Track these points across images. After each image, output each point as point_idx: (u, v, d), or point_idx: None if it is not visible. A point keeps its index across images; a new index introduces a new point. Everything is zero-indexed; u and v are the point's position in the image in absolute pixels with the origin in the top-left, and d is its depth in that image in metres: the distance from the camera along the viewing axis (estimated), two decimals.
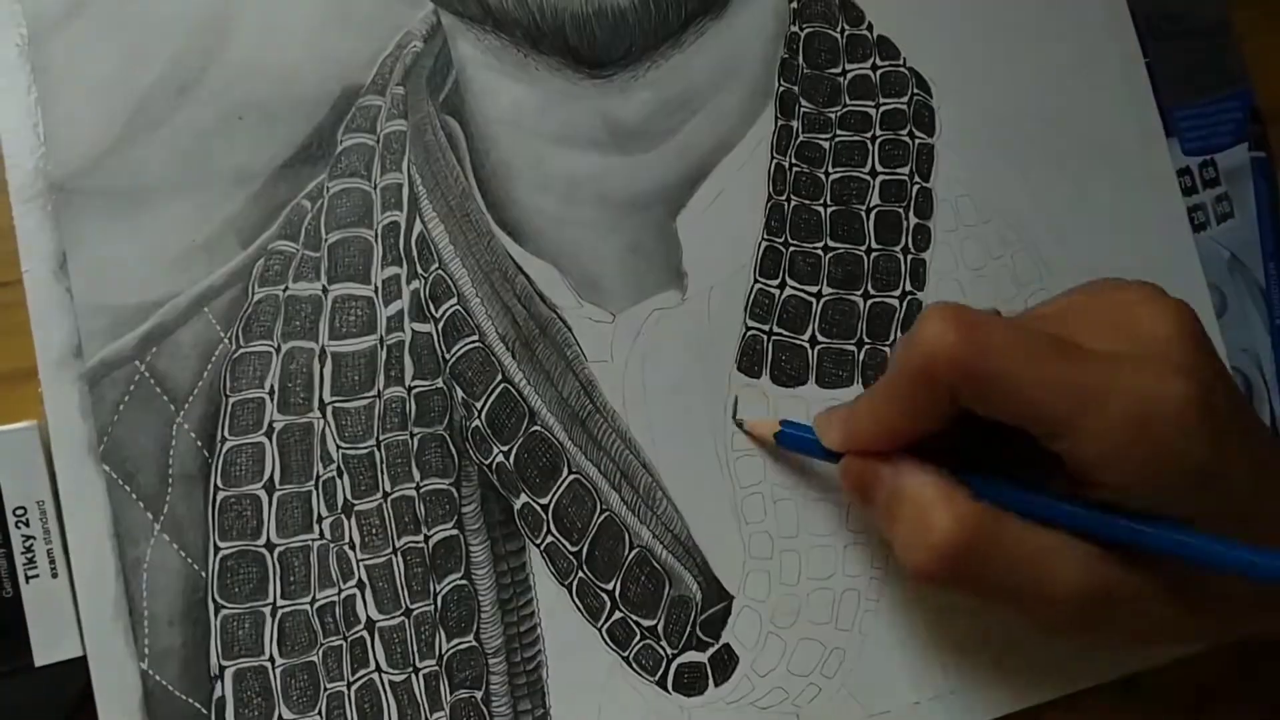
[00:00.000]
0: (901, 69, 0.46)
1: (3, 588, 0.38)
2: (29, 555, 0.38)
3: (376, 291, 0.41)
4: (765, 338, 0.43)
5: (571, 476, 0.41)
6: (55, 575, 0.39)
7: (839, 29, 0.46)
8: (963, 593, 0.36)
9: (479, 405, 0.41)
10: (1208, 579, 0.34)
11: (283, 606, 0.39)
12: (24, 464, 0.39)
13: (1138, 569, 0.34)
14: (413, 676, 0.40)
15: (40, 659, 0.38)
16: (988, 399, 0.34)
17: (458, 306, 0.41)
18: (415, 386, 0.41)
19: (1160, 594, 0.35)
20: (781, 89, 0.45)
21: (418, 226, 0.42)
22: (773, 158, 0.44)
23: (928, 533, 0.35)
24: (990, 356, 0.34)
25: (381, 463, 0.40)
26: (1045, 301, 0.39)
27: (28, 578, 0.38)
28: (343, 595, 0.40)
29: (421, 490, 0.40)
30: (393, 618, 0.40)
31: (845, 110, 0.45)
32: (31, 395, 0.40)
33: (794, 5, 0.46)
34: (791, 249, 0.44)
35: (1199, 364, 0.34)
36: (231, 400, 0.40)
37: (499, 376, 0.41)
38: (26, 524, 0.39)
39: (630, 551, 0.41)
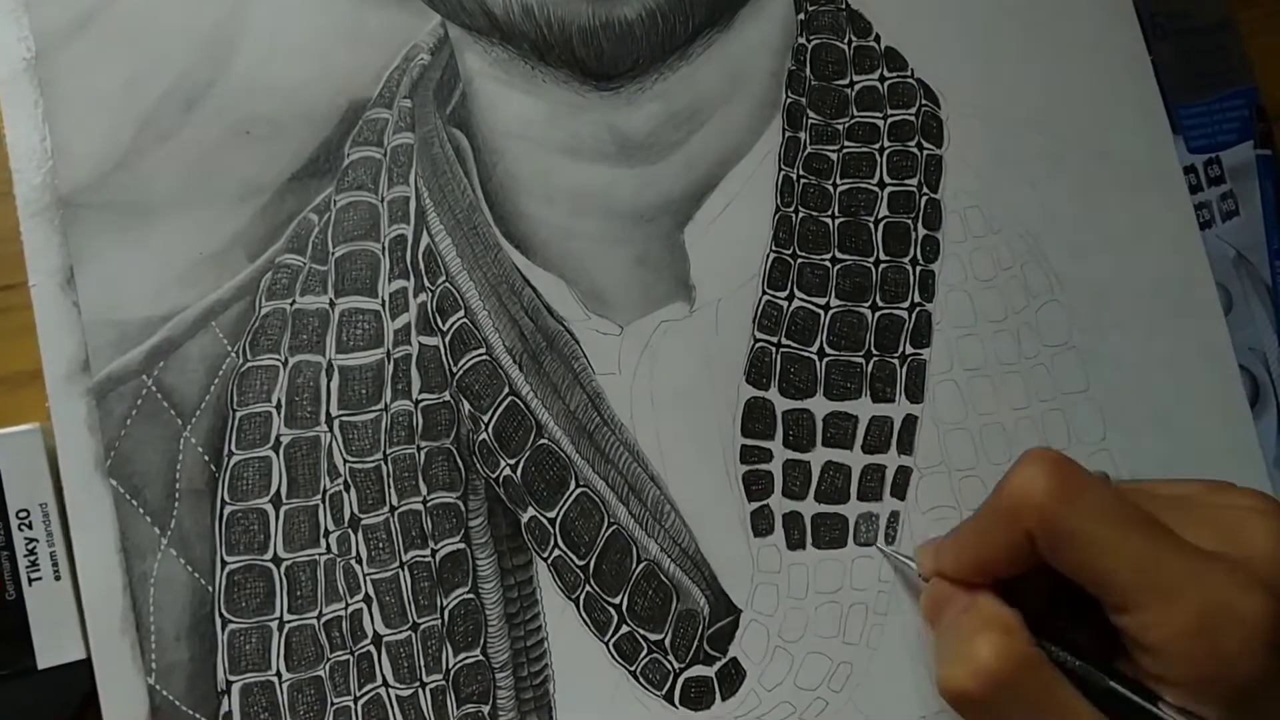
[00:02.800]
0: (909, 80, 0.46)
1: (5, 590, 0.38)
2: (32, 558, 0.39)
3: (383, 305, 0.41)
4: (774, 349, 0.43)
5: (579, 489, 0.41)
6: (58, 578, 0.39)
7: (846, 41, 0.46)
8: None
9: (486, 418, 0.41)
10: None
11: (289, 621, 0.39)
12: (27, 467, 0.39)
13: None
14: (419, 691, 0.39)
15: (43, 661, 0.38)
16: (1063, 554, 0.35)
17: (465, 319, 0.41)
18: (422, 400, 0.41)
19: None
20: (789, 101, 0.45)
21: (425, 239, 0.42)
22: (780, 169, 0.44)
23: (975, 654, 0.35)
24: (1076, 513, 0.34)
25: (388, 476, 0.40)
26: (1163, 481, 0.39)
27: (30, 580, 0.39)
28: (350, 610, 0.39)
29: (428, 504, 0.40)
30: (399, 632, 0.40)
31: (853, 122, 0.45)
32: (35, 398, 0.40)
33: (801, 17, 0.45)
34: (799, 260, 0.44)
35: None
36: (239, 414, 0.40)
37: (506, 389, 0.41)
38: (29, 526, 0.39)
39: (638, 565, 0.41)
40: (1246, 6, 0.50)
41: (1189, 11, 0.49)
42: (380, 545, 0.40)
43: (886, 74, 0.46)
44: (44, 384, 0.39)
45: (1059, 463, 0.35)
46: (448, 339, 0.41)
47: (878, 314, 0.44)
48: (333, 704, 0.39)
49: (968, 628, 0.36)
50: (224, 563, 0.39)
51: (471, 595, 0.40)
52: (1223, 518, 0.36)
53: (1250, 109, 0.50)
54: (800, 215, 0.44)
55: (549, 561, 0.41)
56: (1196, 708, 0.33)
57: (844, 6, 0.46)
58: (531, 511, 0.41)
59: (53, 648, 0.38)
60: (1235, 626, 0.33)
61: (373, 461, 0.40)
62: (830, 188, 0.45)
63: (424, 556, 0.40)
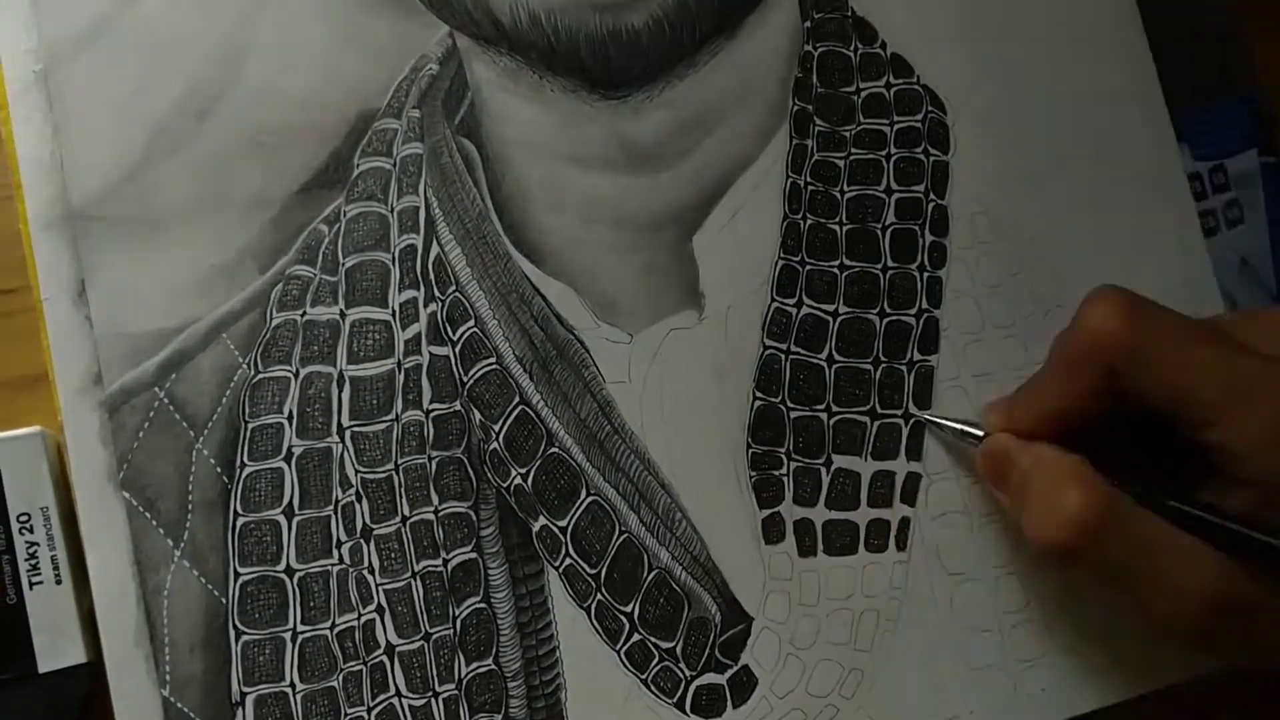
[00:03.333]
0: (915, 87, 0.46)
1: (6, 594, 0.38)
2: (33, 562, 0.39)
3: (394, 315, 0.41)
4: (783, 356, 0.43)
5: (590, 498, 0.41)
6: (59, 582, 0.39)
7: (852, 48, 0.46)
8: (1087, 573, 0.37)
9: (497, 428, 0.41)
10: None
11: (303, 632, 0.39)
12: (28, 470, 0.39)
13: (1271, 587, 0.35)
14: (432, 701, 0.40)
15: (44, 666, 0.38)
16: (1147, 380, 0.36)
17: (475, 329, 0.42)
18: (433, 409, 0.41)
19: None
20: (796, 108, 0.45)
21: (434, 249, 0.42)
22: (788, 177, 0.44)
23: (1060, 507, 0.36)
24: (1153, 337, 0.35)
25: (400, 486, 0.40)
26: (1221, 315, 0.41)
27: (31, 584, 0.39)
28: (362, 620, 0.40)
29: (440, 514, 0.40)
30: (412, 642, 0.40)
31: (860, 128, 0.45)
32: (37, 402, 0.40)
33: (807, 25, 0.45)
34: (808, 267, 0.44)
35: None
36: (250, 426, 0.40)
37: (517, 398, 0.41)
38: (30, 530, 0.39)
39: (649, 573, 0.41)
40: (1253, 14, 0.50)
41: (1194, 18, 0.50)
42: (392, 555, 0.40)
43: (893, 81, 0.46)
44: (46, 388, 0.39)
45: (1124, 294, 0.37)
46: (458, 348, 0.41)
47: (885, 320, 0.44)
48: (346, 714, 0.39)
49: (1045, 481, 0.37)
50: (237, 574, 0.39)
51: (483, 605, 0.40)
52: None
53: (1255, 116, 0.50)
54: (808, 222, 0.44)
55: (560, 570, 0.41)
56: None
57: (850, 14, 0.46)
58: (543, 520, 0.41)
59: (53, 652, 0.38)
60: None
61: (384, 472, 0.40)
62: (838, 194, 0.45)
63: (436, 566, 0.40)
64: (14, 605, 0.38)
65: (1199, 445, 0.36)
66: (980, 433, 0.41)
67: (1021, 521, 0.38)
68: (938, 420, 0.43)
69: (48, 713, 0.39)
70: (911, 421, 0.44)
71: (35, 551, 0.39)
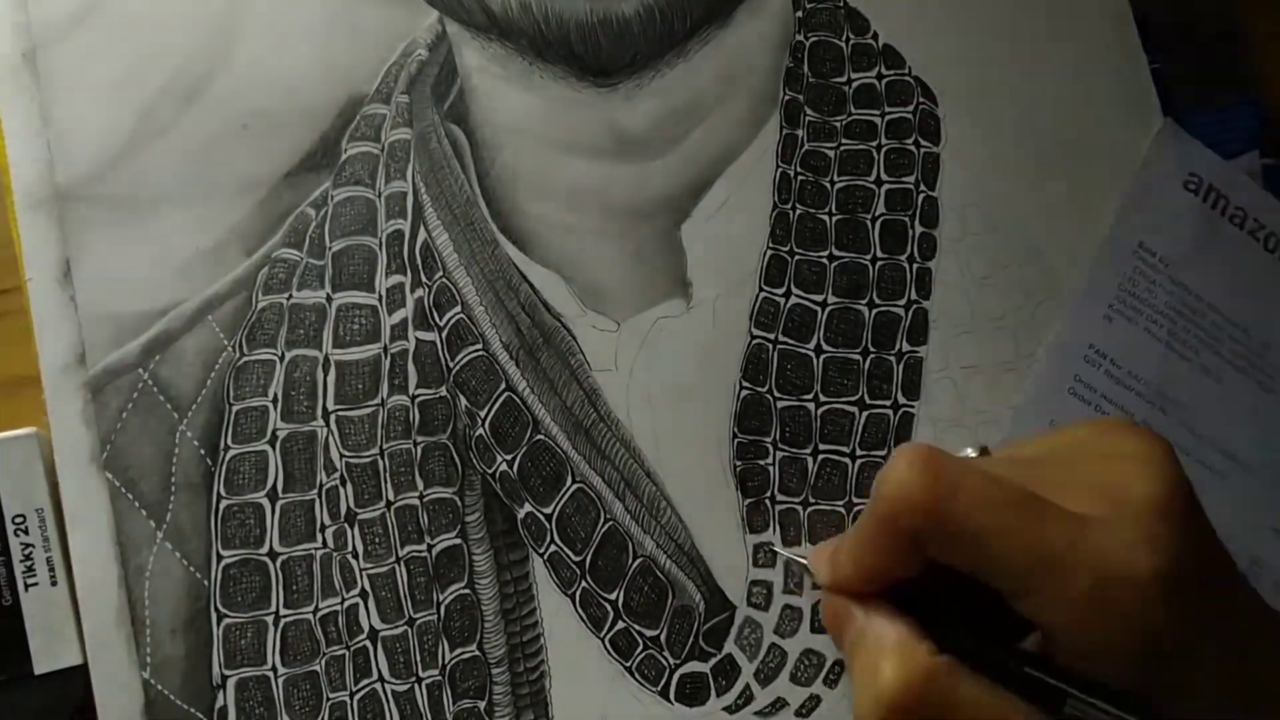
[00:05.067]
0: (907, 78, 0.46)
1: (1, 596, 0.38)
2: (28, 563, 0.38)
3: (380, 300, 0.41)
4: (771, 346, 0.43)
5: (575, 485, 0.41)
6: (55, 583, 0.39)
7: (844, 38, 0.46)
8: None
9: (482, 414, 0.41)
10: None
11: (285, 615, 0.39)
12: (23, 472, 0.39)
13: None
14: (416, 686, 0.39)
15: (40, 667, 0.38)
16: (952, 551, 0.34)
17: (461, 315, 0.41)
18: (419, 395, 0.41)
19: None
20: (787, 98, 0.45)
21: (422, 235, 0.42)
22: (778, 166, 0.44)
23: (877, 681, 0.34)
24: (956, 508, 0.33)
25: (385, 471, 0.40)
26: (1032, 437, 0.38)
27: (27, 586, 0.38)
28: (346, 604, 0.39)
29: (425, 499, 0.40)
30: (395, 627, 0.40)
31: (851, 119, 0.45)
32: (31, 402, 0.40)
33: (799, 14, 0.45)
34: (797, 257, 0.44)
35: (1175, 535, 0.33)
36: (235, 408, 0.40)
37: (502, 385, 0.41)
38: (25, 532, 0.39)
39: (634, 561, 0.41)
40: (1255, 16, 0.50)
41: (1196, 21, 0.50)
42: (376, 540, 0.40)
43: (884, 72, 0.46)
44: (40, 388, 0.39)
45: (930, 457, 0.34)
46: (444, 334, 0.41)
47: (875, 311, 0.44)
48: (329, 699, 0.39)
49: (866, 652, 0.35)
50: (220, 557, 0.39)
51: (468, 590, 0.40)
52: (1105, 473, 0.34)
53: (1257, 118, 0.50)
54: (798, 212, 0.44)
55: (545, 557, 0.41)
56: (1109, 677, 0.33)
57: (842, 4, 0.46)
58: (528, 507, 0.41)
59: (49, 653, 0.38)
60: (1129, 587, 0.32)
61: (369, 456, 0.40)
62: (828, 185, 0.45)
63: (420, 551, 0.40)
64: (9, 607, 0.38)
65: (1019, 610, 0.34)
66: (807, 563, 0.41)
67: (853, 686, 0.36)
68: (782, 552, 0.42)
69: (43, 714, 0.39)
70: (900, 412, 0.44)
71: (30, 553, 0.38)
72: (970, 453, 0.38)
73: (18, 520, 0.39)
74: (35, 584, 0.39)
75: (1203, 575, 0.33)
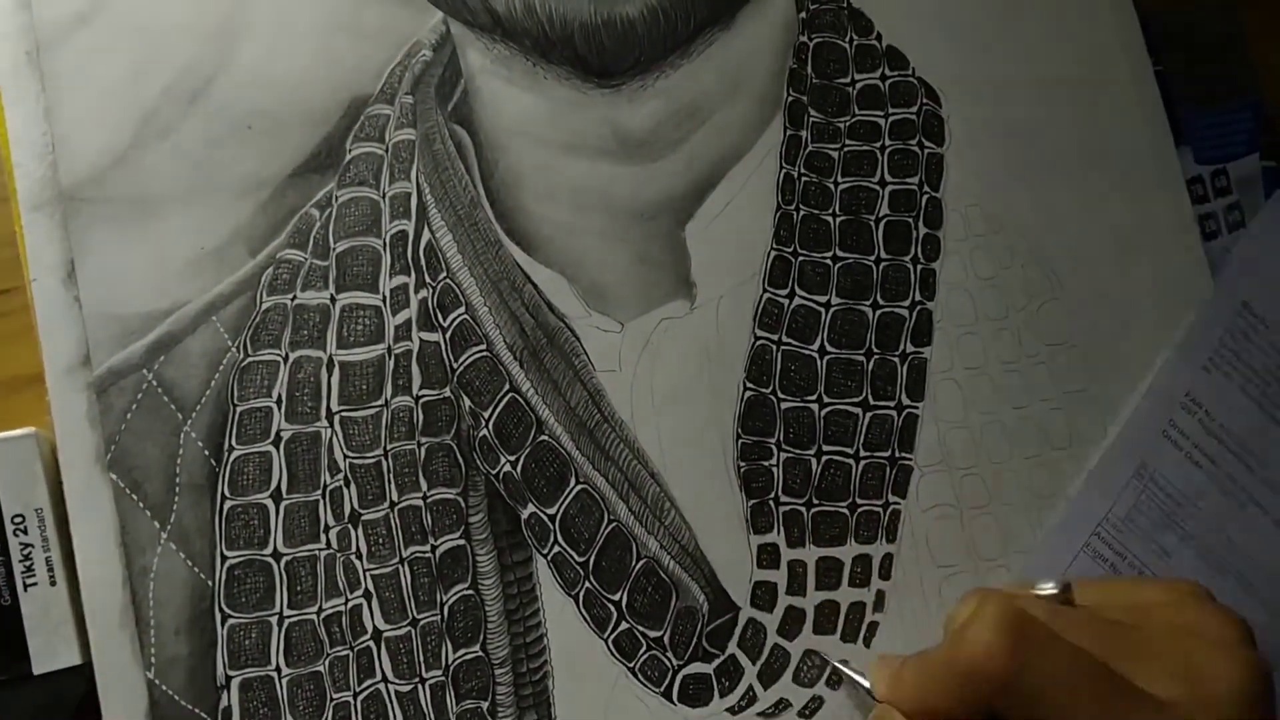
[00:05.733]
0: (910, 79, 0.46)
1: (1, 596, 0.38)
2: (27, 563, 0.39)
3: (384, 301, 0.41)
4: (774, 347, 0.43)
5: (579, 486, 0.41)
6: (54, 583, 0.39)
7: (848, 39, 0.46)
8: None
9: (486, 415, 0.41)
10: None
11: (289, 616, 0.39)
12: (22, 472, 0.39)
13: None
14: (419, 687, 0.39)
15: (39, 667, 0.38)
16: (1021, 715, 0.34)
17: (465, 316, 0.41)
18: (423, 396, 0.41)
19: None
20: (790, 99, 0.45)
21: (426, 235, 0.42)
22: (781, 167, 0.44)
23: None
24: (1036, 682, 0.33)
25: (389, 472, 0.40)
26: (1124, 582, 0.39)
27: (26, 586, 0.38)
28: (349, 605, 0.39)
29: (428, 500, 0.40)
30: (399, 628, 0.40)
31: (854, 120, 0.45)
32: (31, 403, 0.40)
33: (803, 15, 0.45)
34: (801, 258, 0.44)
35: None
36: (239, 409, 0.40)
37: (506, 386, 0.41)
38: (25, 532, 0.39)
39: (637, 562, 0.41)
40: (1257, 19, 0.50)
41: (1198, 23, 0.50)
42: (380, 541, 0.40)
43: (888, 73, 0.46)
44: (40, 389, 0.39)
45: (1016, 623, 0.34)
46: (448, 335, 0.41)
47: (879, 312, 0.44)
48: (332, 699, 0.39)
49: None
50: (224, 557, 0.39)
51: (471, 591, 0.40)
52: (1183, 653, 0.35)
53: (1258, 121, 0.50)
54: (801, 213, 0.44)
55: (549, 558, 0.41)
56: None
57: (845, 5, 0.46)
58: (531, 508, 0.41)
59: (48, 653, 0.38)
60: None
61: (373, 457, 0.40)
62: (831, 186, 0.45)
63: (424, 552, 0.40)
64: (9, 607, 0.38)
65: None
66: (869, 688, 0.40)
67: None
68: (844, 672, 0.41)
69: (42, 714, 0.39)
70: (904, 413, 0.44)
71: (30, 553, 0.39)
72: (1050, 588, 0.38)
73: (17, 520, 0.39)
74: (34, 584, 0.39)
75: None
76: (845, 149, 0.45)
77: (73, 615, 0.39)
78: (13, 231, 0.40)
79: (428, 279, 0.41)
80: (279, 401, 0.40)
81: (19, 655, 0.38)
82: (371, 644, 0.39)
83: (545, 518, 0.41)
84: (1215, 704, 0.33)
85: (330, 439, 0.40)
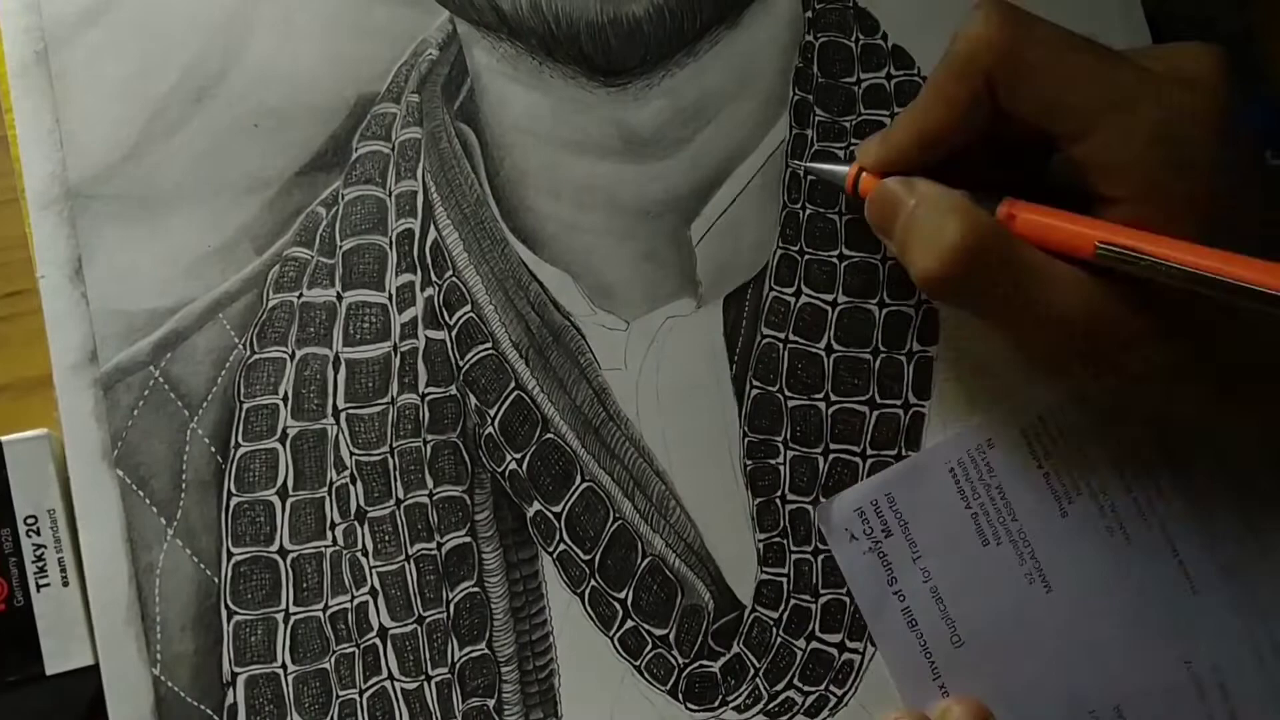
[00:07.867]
0: (916, 79, 0.46)
1: (14, 596, 0.38)
2: (40, 564, 0.39)
3: (390, 298, 0.41)
4: (781, 345, 0.43)
5: (584, 484, 0.41)
6: (66, 584, 0.39)
7: (854, 38, 0.46)
8: (966, 307, 0.38)
9: (492, 412, 0.41)
10: (1212, 326, 0.35)
11: (295, 613, 0.39)
12: (35, 473, 0.39)
13: (1140, 307, 0.35)
14: (425, 684, 0.39)
15: (51, 668, 0.38)
16: (1022, 88, 0.35)
17: (471, 314, 0.42)
18: (429, 393, 0.41)
19: (1158, 335, 0.35)
20: (796, 98, 0.45)
21: (432, 234, 0.42)
22: (787, 166, 0.44)
23: (941, 238, 0.36)
24: (1030, 44, 0.35)
25: (395, 469, 0.40)
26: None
27: (39, 586, 0.39)
28: (355, 602, 0.40)
29: (434, 497, 0.40)
30: (405, 625, 0.40)
31: (860, 119, 0.45)
32: (42, 404, 0.40)
33: (809, 15, 0.45)
34: (807, 257, 0.44)
35: (1226, 94, 0.35)
36: (245, 406, 0.40)
37: (512, 384, 0.41)
38: (37, 533, 0.39)
39: (643, 560, 0.41)
40: (1266, 16, 0.50)
41: (1210, 20, 0.49)
42: (386, 538, 0.40)
43: (893, 72, 0.46)
44: (51, 390, 0.39)
45: (1004, 4, 0.36)
46: (454, 333, 0.41)
47: (885, 311, 0.44)
48: (338, 696, 0.39)
49: (928, 215, 0.37)
50: (230, 554, 0.39)
51: (477, 589, 0.40)
52: (1167, 54, 0.37)
53: (1270, 118, 0.50)
54: (808, 212, 0.44)
55: (554, 556, 0.41)
56: (1161, 223, 0.34)
57: (851, 5, 0.46)
58: (537, 506, 0.41)
59: (60, 654, 0.39)
60: (1189, 125, 0.34)
61: (379, 454, 0.40)
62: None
63: (430, 550, 0.40)
64: (21, 607, 0.39)
65: (1076, 164, 0.35)
66: (846, 169, 0.41)
67: (906, 260, 0.37)
68: (814, 169, 0.43)
69: (55, 714, 0.39)
70: (911, 411, 0.43)
71: (42, 554, 0.39)
72: None
73: (29, 521, 0.39)
74: (47, 585, 0.39)
75: (1243, 132, 0.36)
76: (851, 148, 0.45)
77: (85, 616, 0.39)
78: (24, 234, 0.40)
79: (434, 277, 0.42)
80: (285, 398, 0.40)
81: (32, 655, 0.38)
82: (377, 641, 0.39)
83: (551, 515, 0.41)
84: (1193, 74, 0.35)
85: (336, 436, 0.40)
